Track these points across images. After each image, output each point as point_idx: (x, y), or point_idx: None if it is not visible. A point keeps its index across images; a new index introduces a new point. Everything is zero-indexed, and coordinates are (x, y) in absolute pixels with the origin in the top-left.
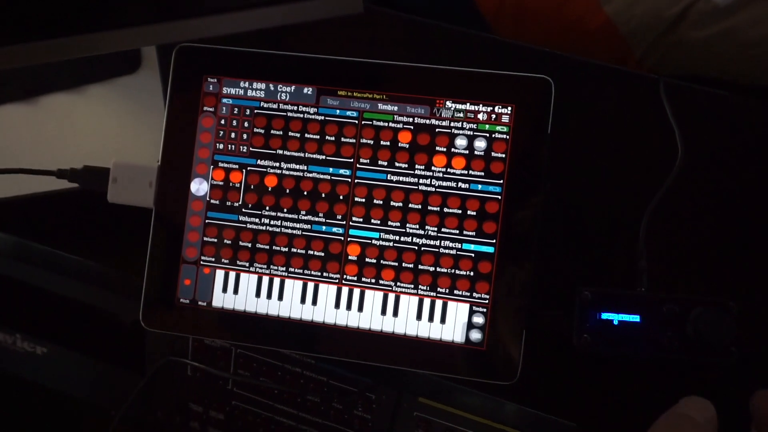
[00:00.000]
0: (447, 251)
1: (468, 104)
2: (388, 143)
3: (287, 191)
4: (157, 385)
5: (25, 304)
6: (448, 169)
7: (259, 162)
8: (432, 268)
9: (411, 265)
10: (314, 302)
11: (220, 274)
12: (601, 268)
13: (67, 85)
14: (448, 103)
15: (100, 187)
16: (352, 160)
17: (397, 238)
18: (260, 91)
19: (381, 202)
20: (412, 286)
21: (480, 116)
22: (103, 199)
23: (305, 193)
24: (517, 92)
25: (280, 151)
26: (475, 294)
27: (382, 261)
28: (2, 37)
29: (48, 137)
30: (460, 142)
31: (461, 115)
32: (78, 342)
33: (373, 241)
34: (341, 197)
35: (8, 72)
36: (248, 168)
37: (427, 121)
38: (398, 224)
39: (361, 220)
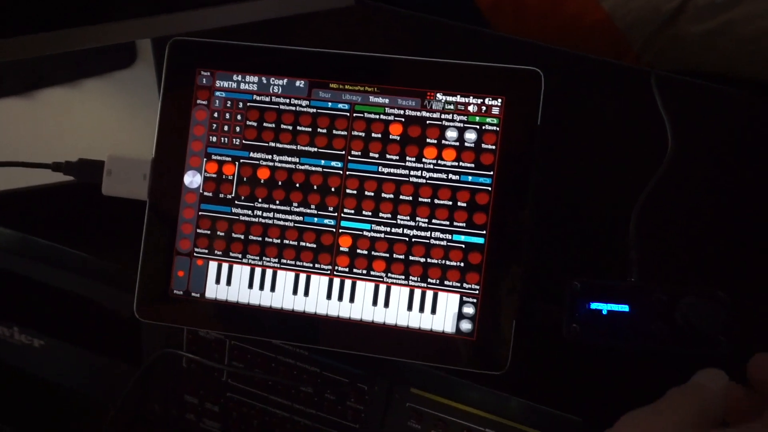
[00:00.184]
0: (437, 242)
1: (458, 96)
2: (379, 135)
3: (279, 183)
4: (153, 378)
5: (23, 296)
6: (439, 161)
7: (251, 154)
8: (423, 259)
9: (402, 256)
10: (306, 293)
11: (213, 266)
12: (591, 259)
13: (64, 79)
14: (439, 96)
15: (95, 179)
16: (343, 153)
17: (388, 229)
18: (253, 85)
19: (372, 194)
20: (403, 276)
21: (470, 108)
22: (98, 192)
23: (297, 185)
24: (507, 84)
25: (272, 144)
26: (465, 285)
27: (373, 252)
28: None
29: (45, 131)
30: (451, 134)
31: (452, 107)
32: (75, 334)
33: (365, 233)
34: (333, 189)
35: (5, 66)
36: (241, 160)
37: (418, 114)
38: (389, 216)
39: (352, 211)
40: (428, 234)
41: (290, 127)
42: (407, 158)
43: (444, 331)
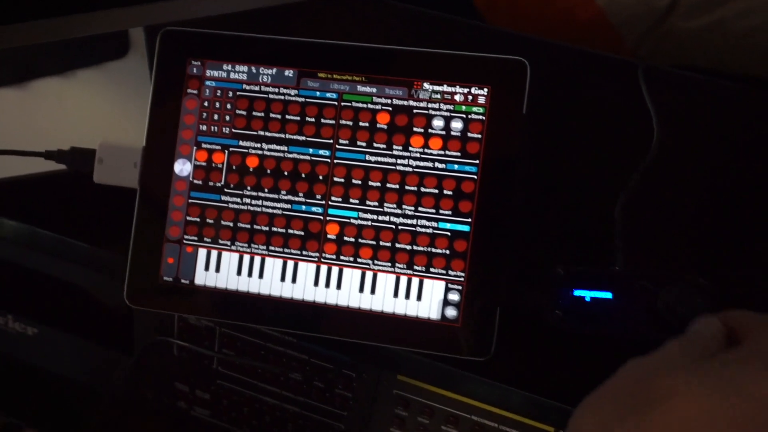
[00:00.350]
0: (423, 230)
1: (445, 86)
2: (366, 124)
3: (268, 171)
4: (145, 365)
5: (16, 285)
6: (425, 150)
7: (241, 143)
8: (409, 247)
9: (388, 244)
10: (294, 280)
11: (202, 253)
12: (577, 247)
13: (57, 69)
14: (426, 85)
15: (87, 167)
16: (331, 141)
17: (375, 217)
18: (242, 74)
19: (359, 182)
20: (390, 264)
21: (456, 97)
22: (90, 181)
23: (285, 173)
24: (493, 74)
25: (261, 132)
26: (450, 272)
27: (360, 240)
28: None
29: (38, 121)
30: (437, 123)
31: (438, 96)
32: (68, 323)
33: (352, 220)
34: (321, 177)
35: None
36: (230, 149)
37: (405, 103)
38: (376, 203)
39: (339, 199)
40: (414, 222)
41: (279, 116)
42: (394, 147)
43: (429, 317)
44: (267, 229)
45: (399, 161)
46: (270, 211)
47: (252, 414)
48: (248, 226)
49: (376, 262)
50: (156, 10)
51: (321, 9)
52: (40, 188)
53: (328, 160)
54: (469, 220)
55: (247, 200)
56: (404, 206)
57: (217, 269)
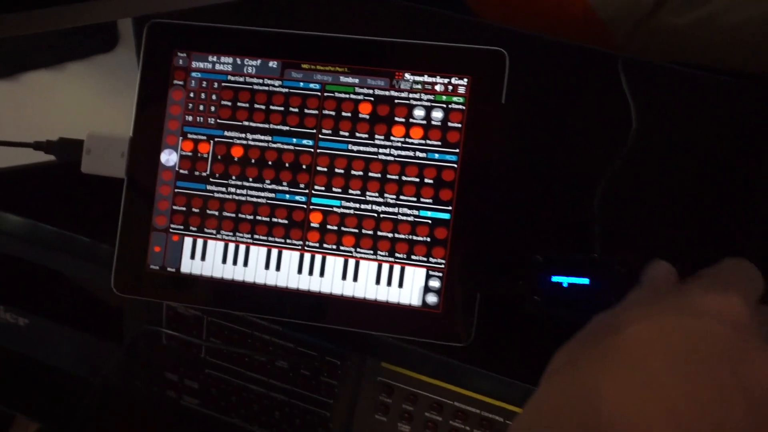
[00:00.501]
0: (405, 218)
1: (426, 76)
2: (349, 114)
3: (252, 161)
4: (134, 355)
5: (7, 276)
6: (407, 139)
7: (226, 133)
8: (390, 235)
9: (370, 232)
10: (278, 268)
11: (188, 242)
12: (555, 235)
13: (47, 62)
14: (407, 76)
15: (76, 158)
16: (314, 131)
17: (358, 205)
18: (227, 65)
19: (342, 171)
20: (372, 251)
21: (437, 87)
22: (78, 171)
23: (270, 162)
24: (473, 64)
25: (246, 123)
26: (431, 259)
27: (342, 228)
28: None
29: (29, 113)
30: (418, 112)
31: (419, 86)
32: (60, 313)
33: (335, 209)
34: (304, 167)
35: None
36: (216, 139)
37: (387, 93)
38: (358, 192)
39: (323, 188)
40: (396, 210)
41: (263, 107)
42: (376, 136)
43: (411, 304)
44: (251, 217)
45: (381, 150)
46: (254, 200)
47: (240, 403)
48: (233, 215)
49: (358, 249)
50: (144, 0)
51: (305, 1)
52: (29, 179)
53: (312, 150)
54: (450, 208)
55: (232, 189)
56: (386, 195)
57: (203, 257)
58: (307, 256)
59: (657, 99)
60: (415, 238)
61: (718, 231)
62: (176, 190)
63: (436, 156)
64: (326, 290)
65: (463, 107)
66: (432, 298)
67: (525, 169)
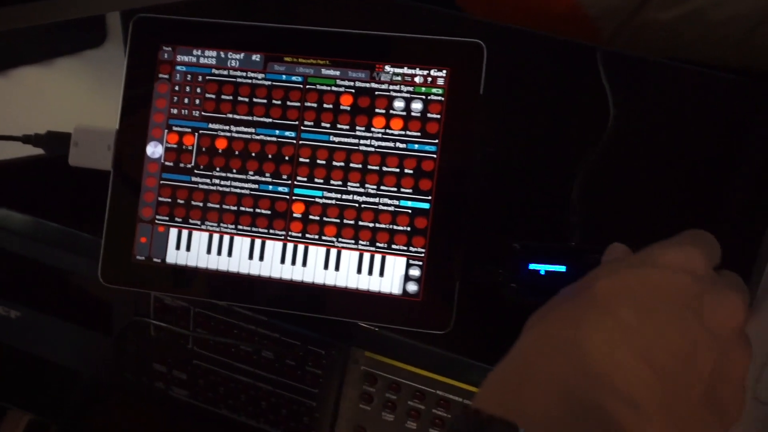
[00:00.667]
0: (385, 208)
1: (405, 68)
2: (330, 106)
3: (236, 153)
4: (123, 346)
5: None
6: (387, 130)
7: (210, 125)
8: (371, 224)
9: (352, 222)
10: (261, 258)
11: (173, 232)
12: (534, 223)
13: (36, 58)
14: (387, 68)
15: (64, 151)
16: (297, 123)
17: (339, 196)
18: (212, 59)
19: (324, 162)
20: (353, 241)
21: (417, 79)
22: (67, 165)
23: (253, 154)
24: (452, 56)
25: (230, 115)
26: (411, 248)
27: (324, 218)
28: None
29: (18, 108)
30: (398, 104)
31: (399, 78)
32: (50, 305)
33: (317, 200)
34: (287, 158)
35: None
36: (200, 131)
37: (368, 85)
38: (340, 183)
39: (305, 179)
40: (377, 200)
41: (247, 99)
42: (357, 128)
43: (391, 292)
44: (235, 208)
45: (362, 141)
46: (238, 191)
47: (228, 393)
48: (217, 206)
49: (340, 239)
50: None
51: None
52: (18, 173)
53: (294, 141)
54: (429, 197)
55: (217, 181)
56: (367, 185)
57: (188, 248)
58: (290, 246)
59: (635, 90)
60: (395, 227)
61: (694, 220)
62: (162, 182)
63: (416, 147)
64: (309, 279)
65: (442, 98)
66: (412, 287)
67: (504, 159)
